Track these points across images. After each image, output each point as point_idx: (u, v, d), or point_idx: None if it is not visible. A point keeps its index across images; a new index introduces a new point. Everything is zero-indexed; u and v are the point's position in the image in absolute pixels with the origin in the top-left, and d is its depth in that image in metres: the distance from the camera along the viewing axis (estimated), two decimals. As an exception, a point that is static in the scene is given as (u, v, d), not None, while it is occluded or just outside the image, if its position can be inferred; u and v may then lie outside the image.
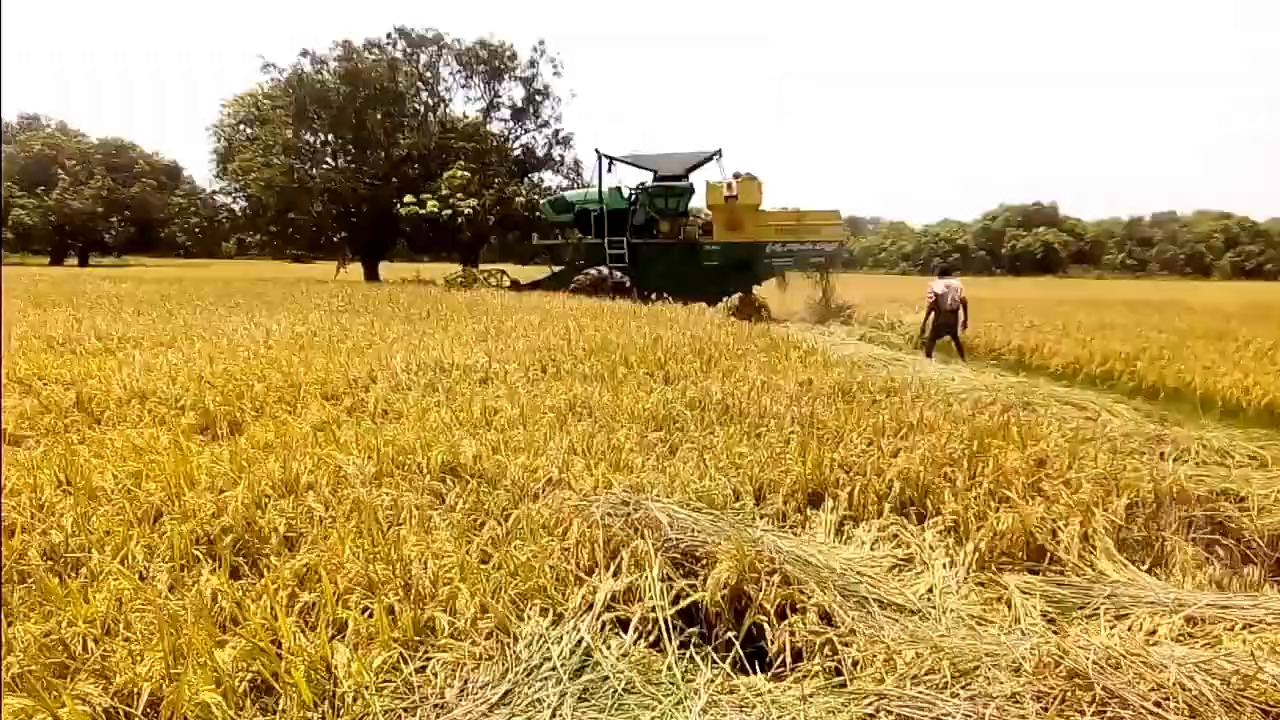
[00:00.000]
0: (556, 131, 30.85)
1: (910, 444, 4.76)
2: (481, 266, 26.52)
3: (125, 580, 2.82)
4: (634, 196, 21.79)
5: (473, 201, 24.16)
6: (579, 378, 7.06)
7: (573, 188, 22.22)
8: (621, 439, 4.72)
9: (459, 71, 29.47)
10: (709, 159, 21.27)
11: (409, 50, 28.90)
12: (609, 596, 2.91)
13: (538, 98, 29.69)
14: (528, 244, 26.84)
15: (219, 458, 4.19)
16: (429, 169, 27.50)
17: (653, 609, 2.87)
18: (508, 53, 29.32)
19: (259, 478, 3.79)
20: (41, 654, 2.43)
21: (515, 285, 22.57)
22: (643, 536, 3.16)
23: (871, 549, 3.71)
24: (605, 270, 20.40)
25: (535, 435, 4.72)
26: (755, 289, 21.22)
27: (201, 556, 3.13)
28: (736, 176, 20.81)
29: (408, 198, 24.52)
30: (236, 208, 29.32)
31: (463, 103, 30.56)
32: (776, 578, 2.96)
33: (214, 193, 35.51)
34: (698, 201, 22.38)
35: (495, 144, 28.85)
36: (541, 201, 23.97)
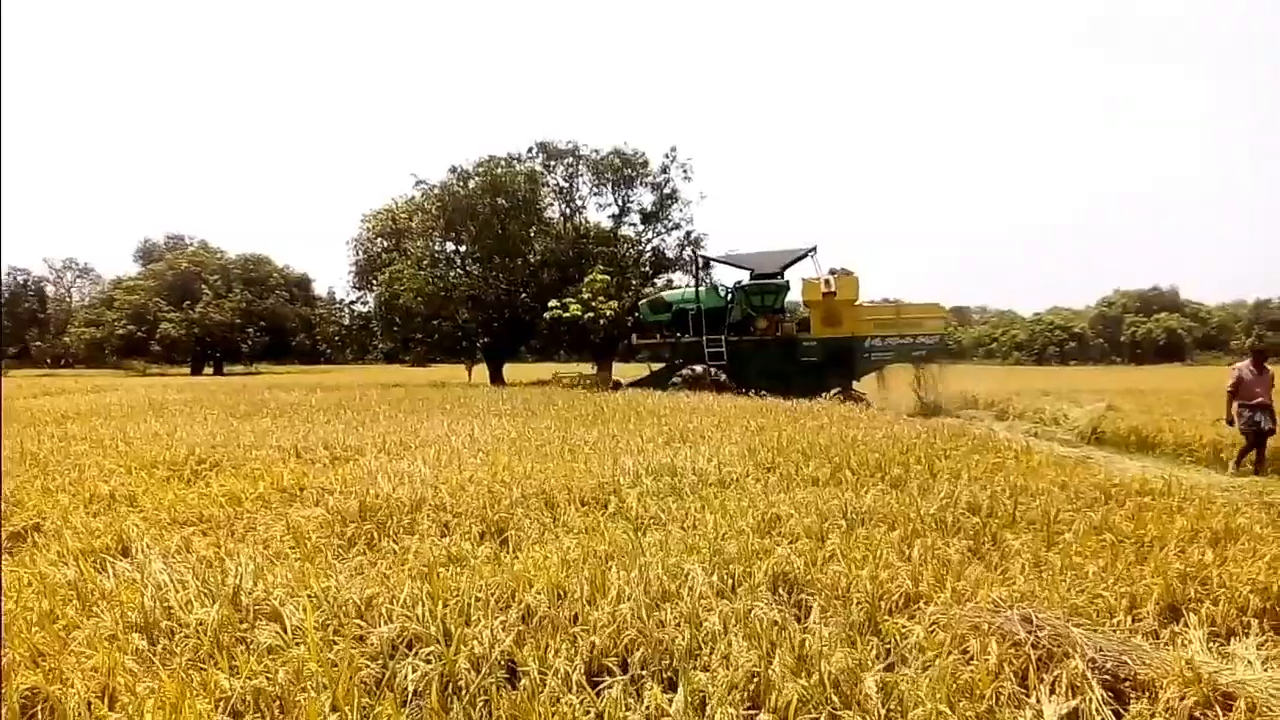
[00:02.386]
0: (688, 233, 31.64)
1: (1234, 553, 4.54)
2: (576, 367, 27.30)
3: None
4: (730, 295, 22.36)
5: (613, 304, 24.80)
6: (807, 481, 7.02)
7: (703, 287, 22.69)
8: (930, 547, 4.62)
9: (592, 179, 30.55)
10: (804, 256, 21.83)
11: (547, 161, 30.21)
12: (1057, 721, 2.81)
13: (668, 202, 30.61)
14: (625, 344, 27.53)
15: (566, 564, 4.25)
16: (566, 274, 28.42)
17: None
18: (640, 160, 30.38)
19: (617, 585, 3.84)
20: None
21: (617, 385, 22.94)
22: (1067, 655, 3.06)
23: (1264, 667, 3.50)
24: (703, 368, 20.70)
25: (842, 546, 4.66)
26: (854, 384, 21.21)
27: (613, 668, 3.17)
28: (833, 272, 21.26)
29: (552, 302, 25.34)
30: (376, 316, 30.74)
31: (595, 210, 31.81)
32: (1241, 703, 2.80)
33: (352, 302, 37.50)
34: (794, 297, 22.79)
35: (628, 248, 29.84)
36: (640, 303, 24.48)
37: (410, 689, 3.02)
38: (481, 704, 2.95)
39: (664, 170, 30.82)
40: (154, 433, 10.51)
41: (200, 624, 3.53)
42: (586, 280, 26.50)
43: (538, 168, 29.94)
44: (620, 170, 29.87)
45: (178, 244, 72.84)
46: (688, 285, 24.07)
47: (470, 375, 35.72)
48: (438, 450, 8.78)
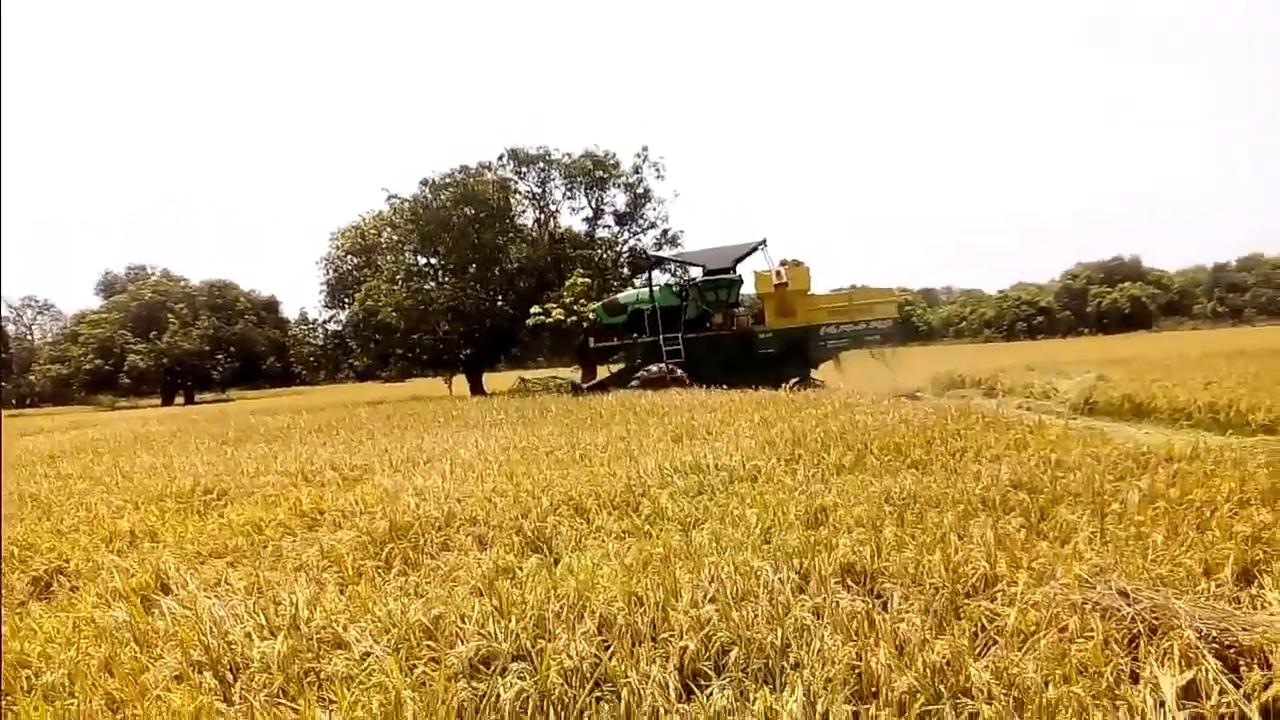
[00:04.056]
0: (665, 231, 31.62)
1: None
2: (530, 374, 27.26)
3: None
4: (685, 292, 22.47)
5: (595, 306, 24.66)
6: (833, 470, 6.97)
7: (657, 286, 22.76)
8: (987, 526, 4.56)
9: (564, 183, 30.40)
10: (754, 249, 22.07)
11: (518, 168, 30.01)
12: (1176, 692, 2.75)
13: (641, 202, 30.54)
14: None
15: (627, 570, 4.15)
16: (544, 280, 28.25)
17: (1226, 704, 2.71)
18: (611, 161, 30.32)
19: (690, 588, 3.74)
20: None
21: (575, 387, 22.93)
22: (1173, 627, 3.00)
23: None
24: (662, 367, 20.81)
25: (901, 532, 4.59)
26: (813, 372, 21.52)
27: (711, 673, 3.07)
28: (784, 263, 21.31)
29: (534, 309, 25.14)
30: (354, 333, 30.33)
31: (569, 213, 31.79)
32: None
33: (325, 321, 37.00)
34: (748, 290, 22.94)
35: (606, 250, 29.75)
36: (595, 306, 24.45)
37: (506, 709, 2.90)
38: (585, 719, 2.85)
39: (636, 170, 30.80)
40: (150, 466, 10.24)
41: (265, 657, 3.39)
42: (567, 284, 26.34)
43: (509, 175, 29.77)
44: (592, 173, 29.78)
45: (139, 274, 71.58)
46: (642, 285, 24.12)
47: (451, 387, 35.39)
48: (450, 464, 8.63)
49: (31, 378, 65.83)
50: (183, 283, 67.72)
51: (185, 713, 2.90)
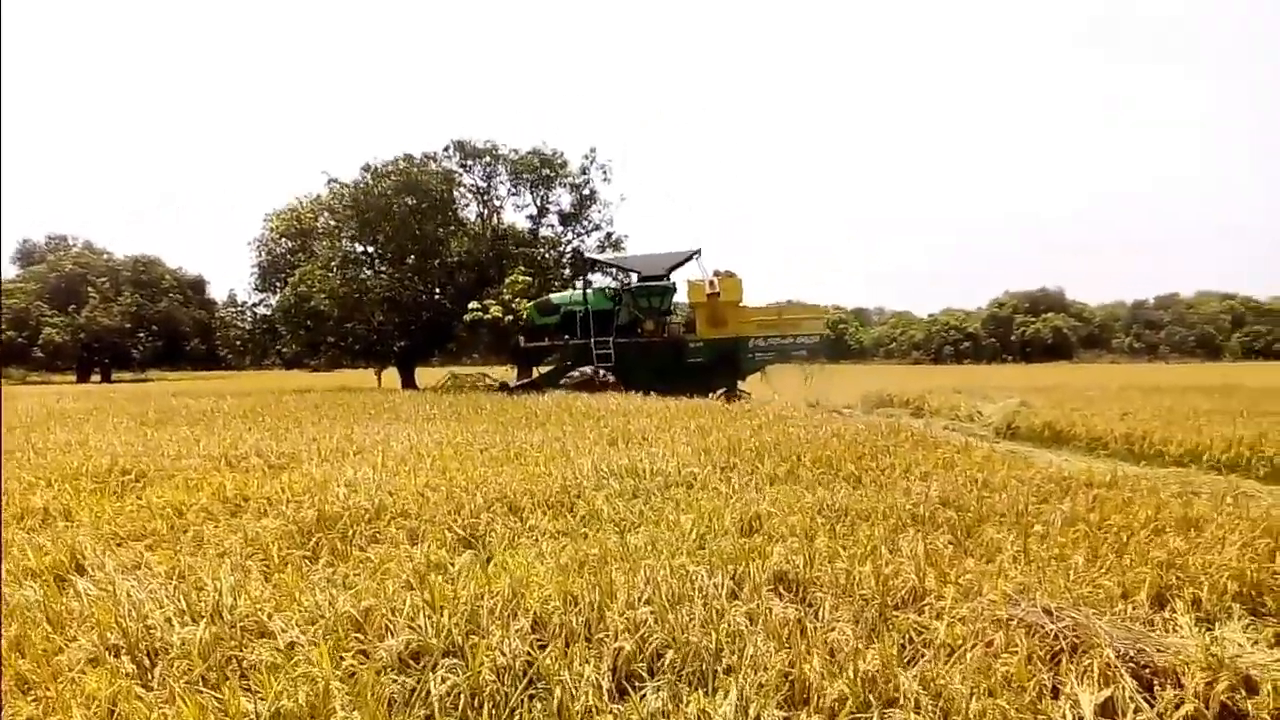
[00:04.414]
0: (609, 235, 31.62)
1: (1204, 540, 4.73)
2: (456, 370, 27.06)
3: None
4: (618, 297, 22.65)
5: (528, 305, 24.46)
6: (767, 480, 7.04)
7: (590, 290, 22.84)
8: (916, 541, 4.65)
9: (510, 179, 30.17)
10: (689, 258, 22.33)
11: (464, 161, 29.70)
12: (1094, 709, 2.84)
13: (587, 203, 30.49)
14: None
15: (562, 569, 4.12)
16: (485, 275, 27.97)
17: (1141, 722, 2.81)
18: (559, 160, 30.21)
19: (625, 589, 3.73)
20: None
21: (504, 387, 22.91)
22: (1094, 645, 3.10)
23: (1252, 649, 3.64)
24: (592, 369, 21.00)
25: (832, 543, 4.66)
26: (740, 384, 21.86)
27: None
28: (717, 274, 21.73)
29: (472, 305, 24.83)
30: (284, 318, 29.54)
31: (513, 210, 31.58)
32: (1268, 686, 2.89)
33: (255, 305, 36.03)
34: (681, 299, 23.25)
35: (548, 249, 29.59)
36: (528, 305, 24.38)
37: (436, 704, 2.85)
38: (515, 718, 2.82)
39: (584, 171, 30.78)
40: (65, 443, 9.84)
41: (185, 643, 3.28)
42: (507, 281, 26.11)
43: (454, 167, 29.43)
44: (539, 170, 29.62)
45: (60, 244, 68.79)
46: (576, 288, 24.17)
47: (380, 380, 34.80)
48: (381, 456, 8.47)
49: (-65, 346, 62.79)
50: (105, 256, 65.26)
51: (102, 696, 2.79)
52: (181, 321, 63.13)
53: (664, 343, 22.03)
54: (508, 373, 27.89)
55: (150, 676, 3.00)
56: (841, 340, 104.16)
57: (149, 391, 25.96)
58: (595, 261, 27.65)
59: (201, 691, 2.85)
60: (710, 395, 18.30)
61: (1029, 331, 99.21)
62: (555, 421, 12.27)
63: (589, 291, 22.73)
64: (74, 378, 59.58)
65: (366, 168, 29.04)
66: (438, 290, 28.75)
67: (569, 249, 30.93)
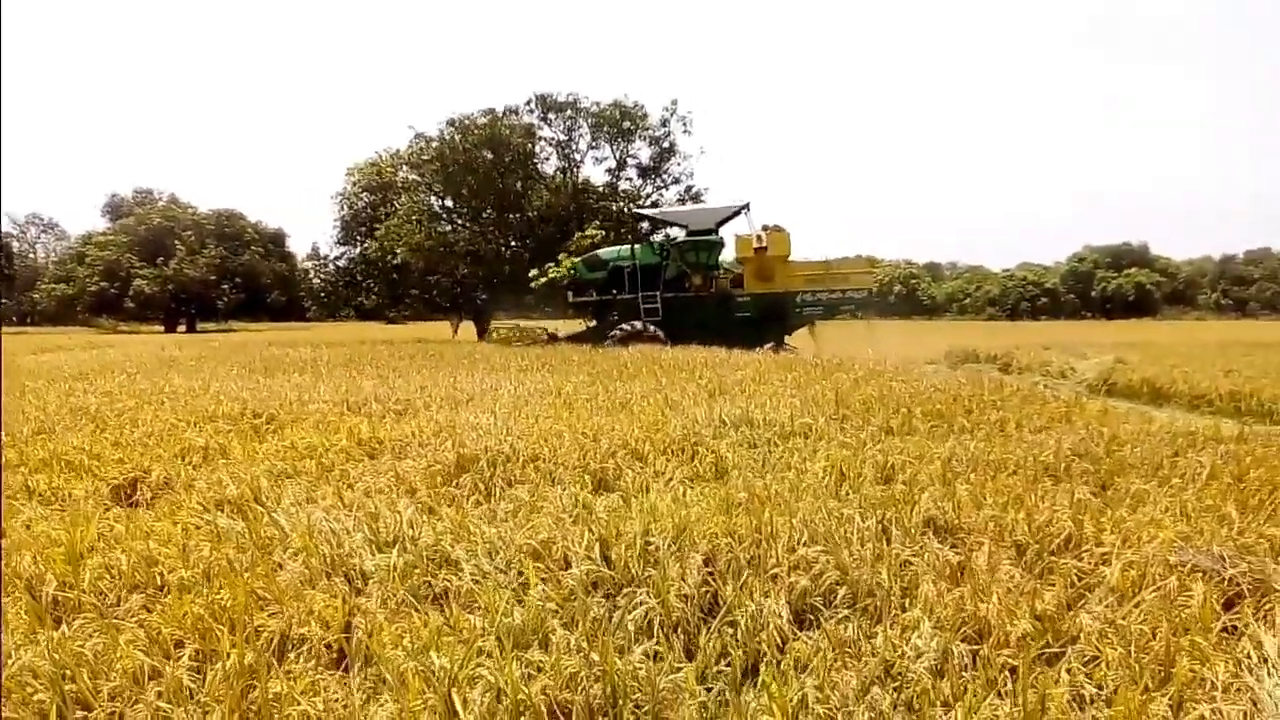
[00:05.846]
0: (689, 188, 31.44)
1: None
2: (516, 322, 27.05)
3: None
4: (666, 251, 22.47)
5: (575, 260, 24.27)
6: (881, 432, 7.08)
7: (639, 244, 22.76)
8: (1056, 491, 4.67)
9: (590, 133, 30.20)
10: (738, 213, 22.11)
11: (545, 114, 29.77)
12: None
13: (667, 156, 30.36)
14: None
15: (727, 508, 4.26)
16: (565, 229, 28.07)
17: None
18: (640, 113, 30.11)
19: (787, 530, 3.85)
20: None
21: (553, 338, 23.12)
22: (1272, 589, 3.13)
23: None
24: (640, 324, 20.92)
25: (976, 493, 4.70)
26: (787, 338, 21.70)
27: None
28: (765, 228, 21.27)
29: (534, 271, 24.83)
30: (371, 271, 30.21)
31: (592, 164, 31.64)
32: None
33: (337, 258, 36.88)
34: (729, 254, 22.95)
35: (627, 203, 29.56)
36: (576, 260, 24.16)
37: (631, 628, 3.03)
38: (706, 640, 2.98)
39: (664, 124, 30.61)
40: (190, 388, 10.34)
41: (379, 569, 3.51)
42: (576, 236, 26.13)
43: (535, 121, 29.55)
44: (619, 123, 29.57)
45: (146, 198, 71.02)
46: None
47: (455, 331, 35.40)
48: (493, 403, 8.73)
49: (36, 296, 65.70)
50: (190, 210, 67.19)
51: (335, 610, 3.02)
52: (262, 273, 64.90)
53: (711, 297, 21.97)
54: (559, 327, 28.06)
55: (365, 597, 3.24)
56: (914, 295, 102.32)
57: (244, 341, 26.91)
58: (642, 215, 27.76)
59: (418, 609, 3.07)
60: (757, 350, 18.29)
61: (1111, 287, 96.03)
62: (647, 374, 12.42)
63: (636, 246, 22.68)
64: (161, 327, 61.93)
65: (451, 121, 29.22)
66: (517, 244, 29.00)
67: (648, 203, 30.81)
